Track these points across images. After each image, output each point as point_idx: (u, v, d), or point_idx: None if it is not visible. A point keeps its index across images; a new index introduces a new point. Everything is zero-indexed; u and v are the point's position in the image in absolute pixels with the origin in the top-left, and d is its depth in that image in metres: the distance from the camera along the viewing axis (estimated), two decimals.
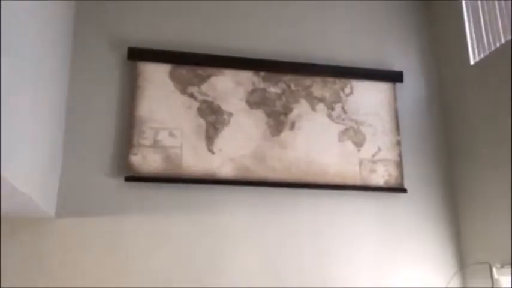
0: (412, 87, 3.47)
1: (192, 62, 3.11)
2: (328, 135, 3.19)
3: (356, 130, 3.24)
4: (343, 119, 3.25)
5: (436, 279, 3.09)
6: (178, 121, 3.01)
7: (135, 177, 2.85)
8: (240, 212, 2.97)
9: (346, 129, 3.23)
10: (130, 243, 2.80)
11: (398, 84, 3.39)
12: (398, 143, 3.25)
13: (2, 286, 2.58)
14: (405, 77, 3.43)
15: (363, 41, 3.50)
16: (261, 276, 2.88)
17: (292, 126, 3.16)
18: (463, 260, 3.14)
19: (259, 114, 3.14)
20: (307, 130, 3.17)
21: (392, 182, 3.16)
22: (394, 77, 3.39)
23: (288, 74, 3.23)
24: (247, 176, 3.00)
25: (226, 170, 2.98)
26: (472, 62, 3.19)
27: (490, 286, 2.82)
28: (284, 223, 3.01)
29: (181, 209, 2.90)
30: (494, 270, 2.80)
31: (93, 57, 3.07)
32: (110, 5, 3.16)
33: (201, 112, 3.05)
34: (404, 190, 3.17)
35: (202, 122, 3.04)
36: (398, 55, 3.52)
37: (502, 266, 2.77)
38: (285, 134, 3.14)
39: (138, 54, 3.05)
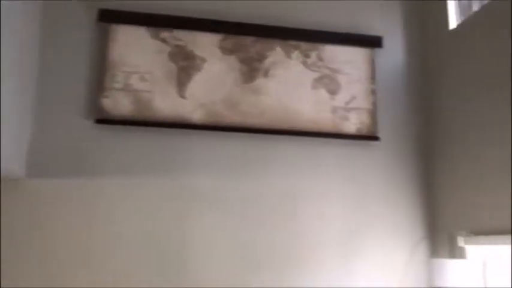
0: (392, 52, 3.37)
1: (161, 24, 3.05)
2: (302, 82, 3.17)
3: (331, 77, 3.22)
4: (319, 67, 3.22)
5: (403, 241, 3.09)
6: (150, 65, 3.01)
7: (106, 120, 2.89)
8: (211, 158, 3.00)
9: (321, 77, 3.21)
10: (101, 194, 2.84)
11: (377, 50, 3.31)
12: (373, 92, 3.23)
13: None
14: (385, 42, 3.32)
15: (338, 3, 3.38)
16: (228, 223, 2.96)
17: (266, 73, 3.15)
18: (433, 224, 3.12)
19: (233, 61, 3.12)
20: (281, 77, 3.16)
21: (365, 130, 3.16)
22: (372, 42, 3.30)
23: (253, 37, 3.15)
24: (219, 121, 3.02)
25: (197, 115, 3.00)
26: (452, 26, 3.11)
27: (457, 253, 2.80)
28: (254, 168, 3.04)
29: (151, 153, 2.94)
30: (459, 239, 2.78)
31: (65, 12, 3.04)
32: None
33: (172, 57, 3.05)
34: (376, 138, 3.17)
35: (173, 66, 3.04)
36: (378, 19, 3.41)
37: (468, 235, 2.74)
38: (259, 81, 3.13)
39: (109, 16, 3.01)
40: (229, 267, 2.88)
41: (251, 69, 3.14)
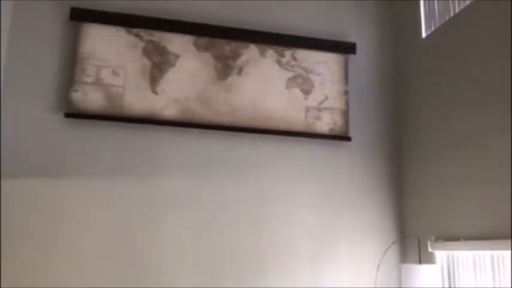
0: (365, 56, 3.40)
1: (134, 25, 2.99)
2: (275, 81, 3.18)
3: (305, 77, 3.23)
4: (293, 66, 3.23)
5: (374, 246, 3.11)
6: (123, 60, 2.96)
7: (75, 114, 2.82)
8: (183, 156, 2.97)
9: (295, 76, 3.22)
10: (69, 193, 2.78)
11: (351, 56, 3.33)
12: (346, 93, 3.26)
13: None
14: (359, 47, 3.33)
15: (314, 9, 3.38)
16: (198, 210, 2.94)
17: (240, 71, 3.14)
18: (403, 229, 3.17)
19: (207, 57, 3.10)
20: (255, 76, 3.15)
21: (337, 130, 3.19)
22: (346, 48, 3.31)
23: (226, 39, 3.12)
24: (191, 118, 2.99)
25: (169, 112, 2.96)
26: (423, 35, 3.16)
27: (426, 258, 2.84)
28: (226, 167, 3.02)
29: (122, 150, 2.89)
30: (428, 244, 2.81)
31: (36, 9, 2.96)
32: None
33: (146, 52, 3.01)
34: (348, 138, 3.19)
35: (147, 62, 3.00)
36: (352, 25, 3.43)
37: (437, 241, 2.77)
38: (232, 79, 3.12)
39: (81, 15, 2.93)
40: (198, 267, 2.85)
41: (225, 67, 3.12)
